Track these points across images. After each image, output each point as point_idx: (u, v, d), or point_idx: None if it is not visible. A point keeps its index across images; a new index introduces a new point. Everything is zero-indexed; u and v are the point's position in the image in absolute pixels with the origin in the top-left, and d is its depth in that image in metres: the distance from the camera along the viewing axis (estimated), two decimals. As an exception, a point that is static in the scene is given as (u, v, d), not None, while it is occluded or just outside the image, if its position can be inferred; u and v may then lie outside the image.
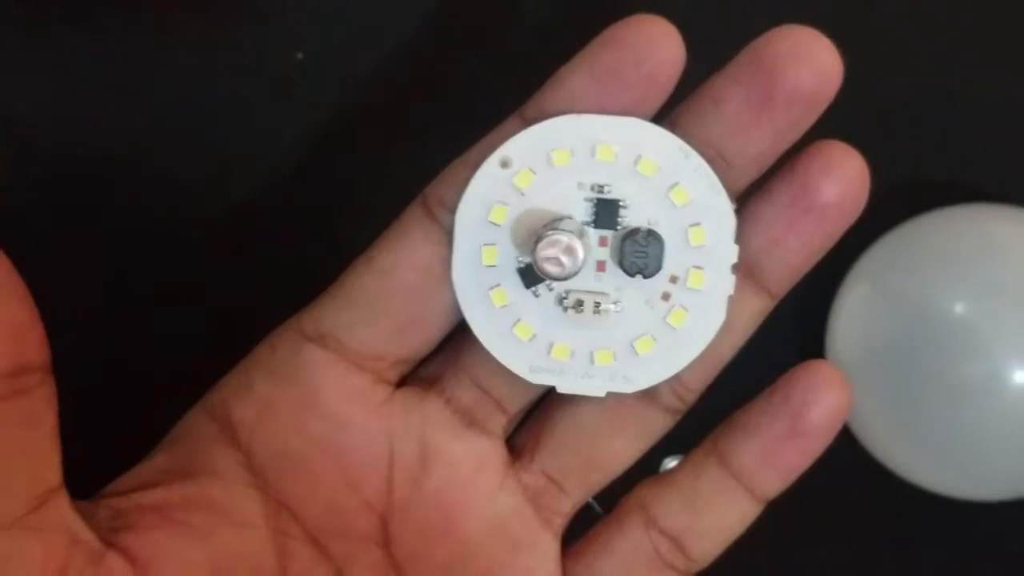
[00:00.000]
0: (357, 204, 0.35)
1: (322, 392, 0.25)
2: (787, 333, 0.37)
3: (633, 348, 0.24)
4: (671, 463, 0.34)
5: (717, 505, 0.26)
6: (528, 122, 0.24)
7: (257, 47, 0.34)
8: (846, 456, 0.35)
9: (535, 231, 0.24)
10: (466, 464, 0.26)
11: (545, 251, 0.23)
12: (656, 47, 0.23)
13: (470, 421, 0.26)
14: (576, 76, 0.23)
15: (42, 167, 0.34)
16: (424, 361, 0.26)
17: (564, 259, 0.23)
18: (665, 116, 0.24)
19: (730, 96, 0.23)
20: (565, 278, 0.23)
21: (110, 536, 0.24)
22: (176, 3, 0.34)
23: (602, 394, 0.25)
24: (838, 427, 0.25)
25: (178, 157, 0.34)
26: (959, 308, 0.33)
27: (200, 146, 0.35)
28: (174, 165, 0.34)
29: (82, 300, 0.34)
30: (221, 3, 0.34)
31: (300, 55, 0.35)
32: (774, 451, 0.25)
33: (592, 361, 0.24)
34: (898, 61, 0.36)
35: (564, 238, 0.23)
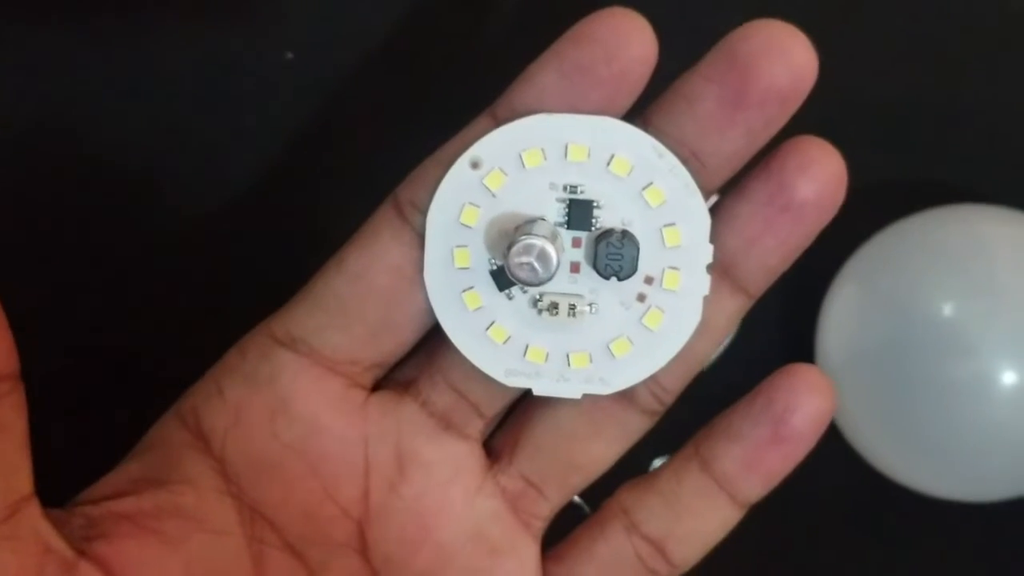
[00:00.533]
0: (346, 203, 0.34)
1: (295, 397, 0.25)
2: (776, 334, 0.36)
3: (609, 350, 0.24)
4: (659, 463, 0.33)
5: (699, 510, 0.25)
6: (499, 120, 0.23)
7: (247, 47, 0.34)
8: (835, 458, 0.35)
9: (507, 233, 0.23)
10: (443, 468, 0.25)
11: (518, 257, 0.22)
12: (627, 43, 0.22)
13: (446, 425, 0.25)
14: (545, 73, 0.23)
15: (39, 167, 0.34)
16: (399, 364, 0.26)
17: (537, 265, 0.22)
18: (638, 114, 0.23)
19: (703, 95, 0.23)
20: (539, 284, 0.23)
21: (83, 545, 0.24)
22: (171, 5, 0.34)
23: (578, 396, 0.24)
24: (821, 432, 0.25)
25: (171, 157, 0.35)
26: (948, 309, 0.33)
27: (192, 146, 0.35)
28: (168, 165, 0.34)
29: (73, 302, 0.34)
30: (213, 4, 0.34)
31: (289, 55, 0.35)
32: (756, 457, 0.25)
33: (568, 363, 0.24)
34: (886, 59, 0.36)
35: (537, 243, 0.22)
